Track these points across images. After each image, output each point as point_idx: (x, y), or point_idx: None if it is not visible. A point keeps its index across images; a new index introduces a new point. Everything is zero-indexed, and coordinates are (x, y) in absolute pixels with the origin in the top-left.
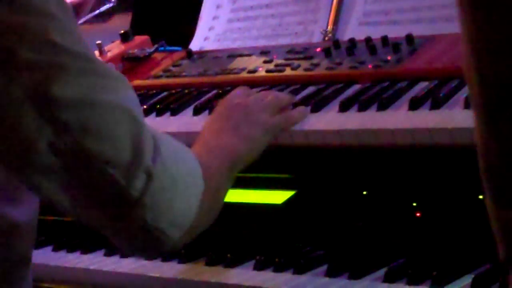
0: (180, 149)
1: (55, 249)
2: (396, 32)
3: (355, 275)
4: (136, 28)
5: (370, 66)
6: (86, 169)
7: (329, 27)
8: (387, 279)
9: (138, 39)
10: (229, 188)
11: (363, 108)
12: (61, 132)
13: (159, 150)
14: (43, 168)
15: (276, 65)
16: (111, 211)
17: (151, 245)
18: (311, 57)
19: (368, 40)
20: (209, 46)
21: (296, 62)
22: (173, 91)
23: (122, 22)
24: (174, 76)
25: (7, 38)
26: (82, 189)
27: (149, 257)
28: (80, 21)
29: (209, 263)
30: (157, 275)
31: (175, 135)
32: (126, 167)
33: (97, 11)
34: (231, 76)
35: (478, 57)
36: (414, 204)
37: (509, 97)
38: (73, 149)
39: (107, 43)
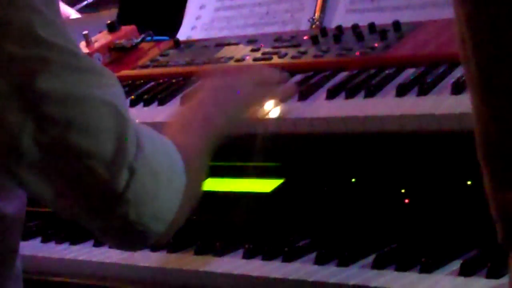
0: (161, 143)
1: (43, 241)
2: (383, 19)
3: (344, 262)
4: (123, 18)
5: (357, 53)
6: (70, 164)
7: (316, 14)
8: (376, 265)
9: (125, 29)
10: (207, 162)
11: (350, 95)
12: (45, 126)
13: (141, 145)
14: (27, 161)
15: (264, 54)
16: (94, 206)
17: (135, 239)
18: (298, 45)
19: (355, 27)
20: (196, 35)
21: (283, 50)
22: (161, 81)
23: (110, 12)
24: (161, 66)
25: None
26: (65, 183)
27: (134, 250)
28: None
29: (198, 252)
30: (146, 264)
31: (163, 125)
32: (109, 162)
33: (85, 2)
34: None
35: (476, 37)
36: (403, 191)
37: (508, 77)
38: (57, 143)
39: (94, 33)
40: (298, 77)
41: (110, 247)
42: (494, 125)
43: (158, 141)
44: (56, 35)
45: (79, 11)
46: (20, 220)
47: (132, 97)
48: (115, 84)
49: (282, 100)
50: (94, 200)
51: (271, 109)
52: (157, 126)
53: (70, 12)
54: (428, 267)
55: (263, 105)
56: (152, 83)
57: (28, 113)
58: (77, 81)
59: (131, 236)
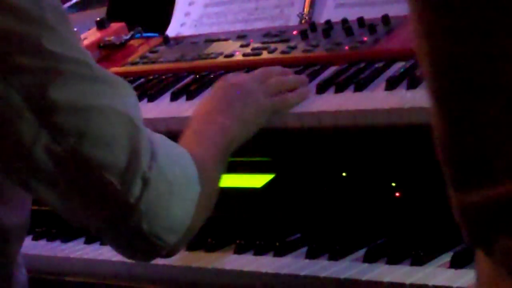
0: (176, 152)
1: (35, 238)
2: (372, 13)
3: (335, 256)
4: (112, 15)
5: (346, 48)
6: (83, 174)
7: (305, 9)
8: (367, 259)
9: (114, 26)
10: (223, 173)
11: (340, 89)
12: (57, 137)
13: (155, 155)
14: (40, 172)
15: (253, 49)
16: (107, 217)
17: (147, 250)
18: (287, 40)
19: (344, 21)
20: (185, 31)
21: (272, 46)
22: (150, 78)
23: (99, 10)
24: (151, 63)
25: (2, 45)
26: (78, 194)
27: (147, 261)
28: None
29: (190, 248)
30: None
31: (153, 121)
32: (122, 173)
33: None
34: (208, 61)
35: (431, 38)
36: (393, 184)
37: (460, 79)
38: (69, 154)
39: (83, 31)
40: (302, 77)
41: (102, 244)
42: (450, 128)
43: (172, 151)
44: (67, 48)
45: (68, 9)
46: (22, 232)
47: None
48: (130, 94)
49: (295, 105)
50: (106, 210)
51: None
52: (147, 123)
53: None
54: (419, 260)
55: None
56: (142, 80)
57: (41, 123)
58: (90, 91)
59: (143, 246)
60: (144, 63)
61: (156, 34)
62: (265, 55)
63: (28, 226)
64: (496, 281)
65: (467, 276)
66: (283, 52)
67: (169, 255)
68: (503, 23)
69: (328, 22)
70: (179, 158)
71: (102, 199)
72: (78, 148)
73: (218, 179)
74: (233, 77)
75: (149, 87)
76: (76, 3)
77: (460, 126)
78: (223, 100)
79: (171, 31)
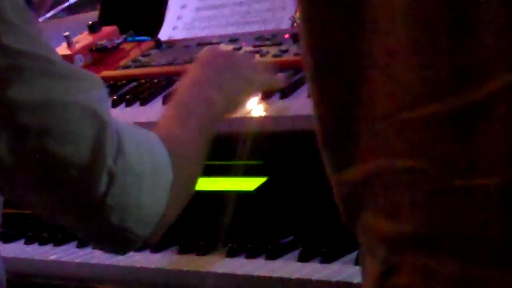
0: (145, 141)
1: (26, 242)
2: None
3: (327, 259)
4: (104, 19)
5: None
6: (48, 171)
7: (297, 13)
8: (359, 262)
9: (106, 29)
10: (206, 148)
11: None
12: (20, 135)
13: (122, 148)
14: (6, 170)
15: (245, 53)
16: (76, 213)
17: (120, 244)
18: (279, 44)
19: None
20: (178, 35)
21: (264, 49)
22: (142, 81)
23: (91, 14)
24: (143, 66)
25: None
26: (46, 190)
27: (122, 254)
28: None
29: (182, 251)
30: (130, 265)
31: (145, 125)
32: (87, 168)
33: (66, 4)
34: None
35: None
36: None
37: (334, 63)
38: (33, 151)
39: (75, 35)
40: (279, 75)
41: (93, 248)
42: (326, 110)
43: (142, 140)
44: (28, 44)
45: (60, 12)
46: None
47: (114, 97)
48: (97, 87)
49: (277, 87)
50: (74, 206)
51: (253, 107)
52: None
53: None
54: None
55: (263, 90)
56: (134, 84)
57: (2, 123)
58: (51, 87)
59: (116, 240)
60: (136, 66)
61: (148, 38)
62: (257, 58)
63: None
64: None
65: None
66: (275, 56)
67: (143, 247)
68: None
69: None
70: (149, 147)
71: (69, 196)
72: (41, 145)
73: (198, 160)
74: (222, 47)
75: (141, 91)
76: (68, 7)
77: (337, 106)
78: (212, 69)
79: (163, 35)
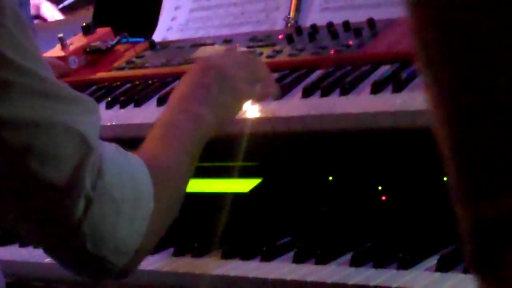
0: (128, 167)
1: (22, 245)
2: (357, 17)
3: (322, 260)
4: (98, 20)
5: (332, 51)
6: (26, 190)
7: (291, 13)
8: (354, 263)
9: (100, 31)
10: (193, 170)
11: (326, 93)
12: (3, 151)
13: (103, 173)
14: None
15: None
16: (52, 235)
17: (96, 272)
18: (273, 44)
19: (329, 25)
20: (172, 36)
21: (258, 50)
22: (137, 83)
23: (85, 14)
24: (137, 68)
25: None
26: (24, 209)
27: (98, 281)
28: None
29: (177, 253)
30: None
31: (140, 126)
32: (65, 191)
33: (61, 5)
34: None
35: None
36: (379, 188)
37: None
38: (15, 169)
39: (69, 36)
40: (273, 76)
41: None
42: (464, 134)
43: (124, 166)
44: (23, 57)
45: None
46: None
47: (109, 99)
48: (89, 110)
49: (272, 97)
50: (50, 228)
51: (247, 108)
52: (134, 128)
53: (53, 13)
54: (405, 263)
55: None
56: (128, 85)
57: None
58: (39, 106)
59: (91, 268)
60: (130, 68)
61: (142, 39)
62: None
63: None
64: None
65: (453, 279)
66: (269, 57)
67: (121, 276)
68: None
69: (313, 26)
70: (132, 174)
71: (44, 216)
72: (23, 163)
73: (182, 185)
74: (213, 59)
75: (135, 92)
76: (61, 8)
77: (478, 130)
78: (200, 84)
79: (157, 36)
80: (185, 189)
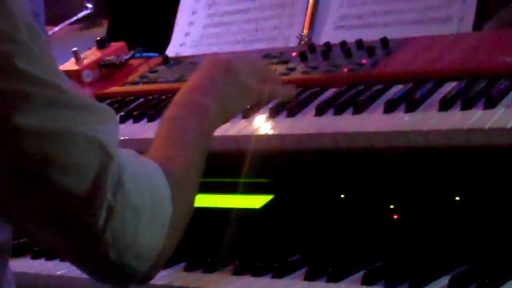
0: (146, 174)
1: (33, 257)
2: (371, 36)
3: (334, 278)
4: (112, 35)
5: (345, 70)
6: (50, 200)
7: (304, 31)
8: (365, 281)
9: (114, 45)
10: (204, 158)
11: (339, 111)
12: (24, 162)
13: (122, 181)
14: (9, 196)
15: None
16: (74, 245)
17: (119, 279)
18: (287, 62)
19: (343, 43)
20: (185, 51)
21: (272, 67)
22: (150, 97)
23: (99, 29)
24: (151, 82)
25: None
26: (47, 219)
27: (122, 287)
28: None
29: (188, 269)
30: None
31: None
32: (87, 201)
33: (75, 18)
34: None
35: None
36: (391, 207)
37: None
38: (36, 179)
39: (83, 50)
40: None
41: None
42: None
43: (143, 173)
44: (41, 70)
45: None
46: (5, 247)
47: (122, 113)
48: (108, 119)
49: (282, 98)
50: (74, 237)
51: (260, 125)
52: (147, 143)
53: None
54: (417, 283)
55: (262, 101)
56: (142, 100)
57: (7, 148)
58: (59, 117)
59: (114, 274)
60: (144, 83)
61: (156, 54)
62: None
63: (11, 243)
64: None
65: None
66: (282, 74)
67: (143, 281)
68: None
69: (327, 44)
70: (150, 180)
71: (67, 226)
72: (43, 173)
73: (195, 183)
74: (221, 55)
75: (148, 107)
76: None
77: None
78: (206, 76)
79: (170, 51)
80: (197, 184)
